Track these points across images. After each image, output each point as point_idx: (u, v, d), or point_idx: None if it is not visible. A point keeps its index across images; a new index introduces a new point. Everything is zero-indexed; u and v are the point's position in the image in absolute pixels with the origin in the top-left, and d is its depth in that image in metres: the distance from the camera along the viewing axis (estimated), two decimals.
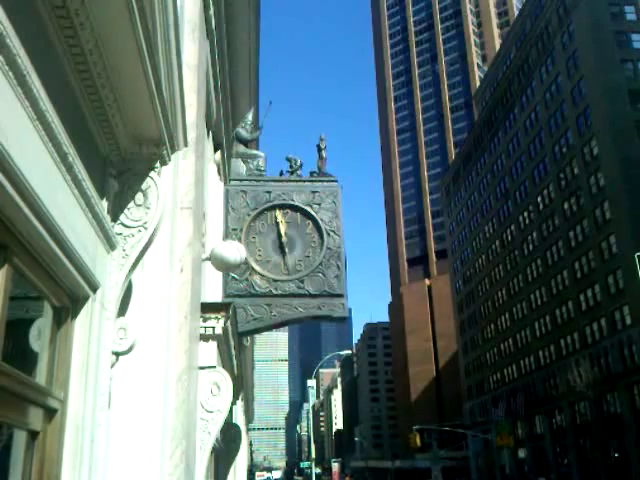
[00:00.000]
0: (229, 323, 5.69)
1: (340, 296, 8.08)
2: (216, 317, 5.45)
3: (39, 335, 2.82)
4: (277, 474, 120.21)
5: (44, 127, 2.40)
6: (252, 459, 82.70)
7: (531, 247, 73.04)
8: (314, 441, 59.56)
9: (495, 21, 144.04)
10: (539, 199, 70.84)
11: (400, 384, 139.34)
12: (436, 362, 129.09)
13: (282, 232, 8.25)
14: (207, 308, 5.41)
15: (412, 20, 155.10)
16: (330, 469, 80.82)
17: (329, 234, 8.30)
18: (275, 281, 8.03)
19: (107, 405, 3.24)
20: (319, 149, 8.94)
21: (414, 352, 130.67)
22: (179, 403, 4.16)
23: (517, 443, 68.83)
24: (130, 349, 3.38)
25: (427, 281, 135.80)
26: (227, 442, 8.97)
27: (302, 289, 8.02)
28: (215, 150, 8.46)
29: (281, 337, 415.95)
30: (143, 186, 3.36)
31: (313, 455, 56.41)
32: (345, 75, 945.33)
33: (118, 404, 3.62)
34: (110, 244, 3.25)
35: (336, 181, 8.69)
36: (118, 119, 3.07)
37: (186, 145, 3.91)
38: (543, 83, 70.93)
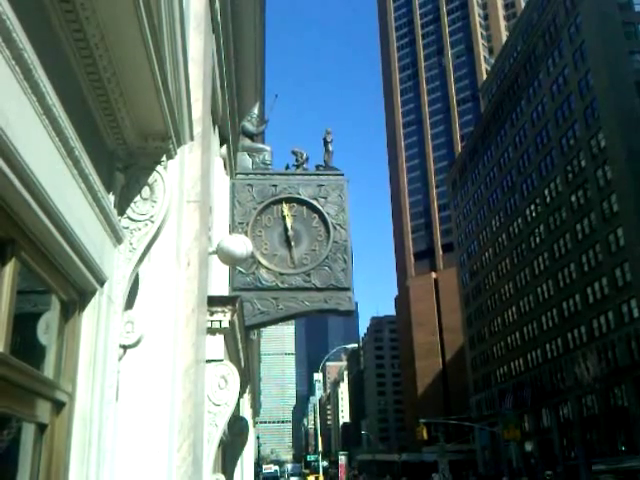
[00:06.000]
0: (236, 317, 5.70)
1: (346, 289, 8.08)
2: (223, 311, 5.46)
3: (47, 329, 2.84)
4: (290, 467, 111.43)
5: (51, 122, 2.40)
6: (259, 452, 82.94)
7: (538, 240, 72.83)
8: (321, 434, 59.71)
9: (502, 13, 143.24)
10: (546, 192, 70.59)
11: (407, 377, 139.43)
12: (443, 355, 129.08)
13: (288, 226, 8.25)
14: (214, 302, 5.42)
15: (418, 13, 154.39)
16: (337, 462, 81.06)
17: (335, 228, 8.29)
18: (281, 275, 8.03)
19: (115, 398, 3.25)
20: (325, 142, 8.93)
21: (421, 345, 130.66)
22: (186, 396, 4.18)
23: (524, 436, 68.81)
24: (137, 342, 3.40)
25: (434, 274, 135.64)
26: (234, 435, 9.00)
27: (308, 283, 8.03)
28: (221, 144, 8.45)
29: (288, 331, 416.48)
30: (150, 180, 3.37)
31: (320, 448, 56.56)
32: (351, 68, 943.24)
33: (126, 397, 3.63)
34: (117, 238, 3.26)
35: (342, 174, 8.68)
36: (124, 113, 3.07)
37: (192, 139, 3.91)
38: (550, 75, 70.55)
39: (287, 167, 8.82)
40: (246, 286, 7.91)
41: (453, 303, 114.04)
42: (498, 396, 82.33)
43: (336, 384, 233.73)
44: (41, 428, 2.72)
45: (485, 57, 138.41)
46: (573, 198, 64.27)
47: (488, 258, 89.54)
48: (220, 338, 5.57)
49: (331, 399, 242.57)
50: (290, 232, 8.21)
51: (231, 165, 8.90)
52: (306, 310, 8.01)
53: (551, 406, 68.66)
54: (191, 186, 4.75)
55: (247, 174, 8.59)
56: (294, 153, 8.86)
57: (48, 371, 2.79)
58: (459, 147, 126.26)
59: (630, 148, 54.96)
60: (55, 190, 2.43)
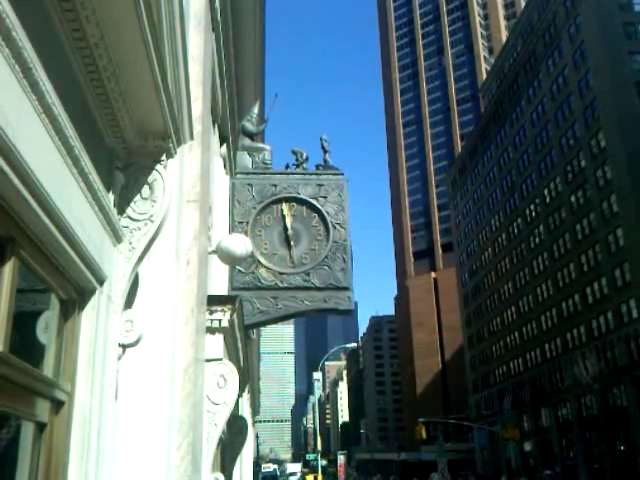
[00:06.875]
0: (235, 316, 5.70)
1: (346, 289, 8.07)
2: (222, 310, 5.46)
3: (46, 328, 2.84)
4: (293, 467, 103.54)
5: (50, 121, 2.40)
6: (258, 451, 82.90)
7: (537, 240, 72.85)
8: (320, 433, 59.70)
9: (502, 13, 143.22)
10: (546, 192, 70.59)
11: (406, 377, 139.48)
12: (442, 355, 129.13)
13: (288, 225, 8.25)
14: (213, 301, 5.42)
15: (418, 12, 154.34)
16: (336, 461, 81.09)
17: (335, 227, 8.29)
18: (281, 274, 8.03)
19: (114, 397, 3.25)
20: (323, 150, 8.92)
21: (420, 345, 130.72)
22: (185, 395, 4.18)
23: (523, 436, 68.86)
24: (137, 342, 3.39)
25: (433, 274, 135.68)
26: (233, 434, 8.99)
27: (308, 282, 8.03)
28: (221, 143, 8.45)
29: (287, 330, 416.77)
30: (149, 179, 3.37)
31: (319, 447, 56.53)
32: (351, 68, 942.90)
33: (125, 396, 3.63)
34: (117, 237, 3.26)
35: (342, 174, 8.68)
36: (124, 112, 3.07)
37: (192, 138, 3.91)
38: (550, 75, 70.55)
39: (287, 166, 8.82)
40: (246, 285, 7.91)
41: (452, 303, 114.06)
42: (497, 396, 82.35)
43: (335, 383, 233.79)
44: (40, 427, 2.71)
45: (485, 57, 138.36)
46: (573, 198, 64.27)
47: (487, 258, 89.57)
48: (219, 337, 5.57)
49: (330, 398, 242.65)
50: (290, 231, 8.21)
51: (231, 164, 8.90)
52: (305, 309, 8.01)
53: (550, 406, 68.67)
54: (191, 185, 4.75)
55: (247, 173, 8.58)
56: (294, 152, 8.85)
57: (47, 370, 2.79)
58: (459, 147, 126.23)
59: (630, 148, 54.95)
60: (55, 189, 2.43)
